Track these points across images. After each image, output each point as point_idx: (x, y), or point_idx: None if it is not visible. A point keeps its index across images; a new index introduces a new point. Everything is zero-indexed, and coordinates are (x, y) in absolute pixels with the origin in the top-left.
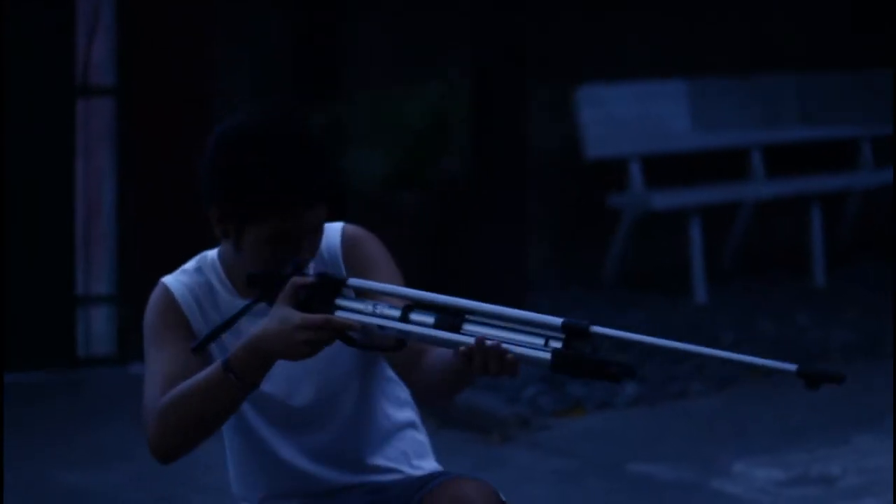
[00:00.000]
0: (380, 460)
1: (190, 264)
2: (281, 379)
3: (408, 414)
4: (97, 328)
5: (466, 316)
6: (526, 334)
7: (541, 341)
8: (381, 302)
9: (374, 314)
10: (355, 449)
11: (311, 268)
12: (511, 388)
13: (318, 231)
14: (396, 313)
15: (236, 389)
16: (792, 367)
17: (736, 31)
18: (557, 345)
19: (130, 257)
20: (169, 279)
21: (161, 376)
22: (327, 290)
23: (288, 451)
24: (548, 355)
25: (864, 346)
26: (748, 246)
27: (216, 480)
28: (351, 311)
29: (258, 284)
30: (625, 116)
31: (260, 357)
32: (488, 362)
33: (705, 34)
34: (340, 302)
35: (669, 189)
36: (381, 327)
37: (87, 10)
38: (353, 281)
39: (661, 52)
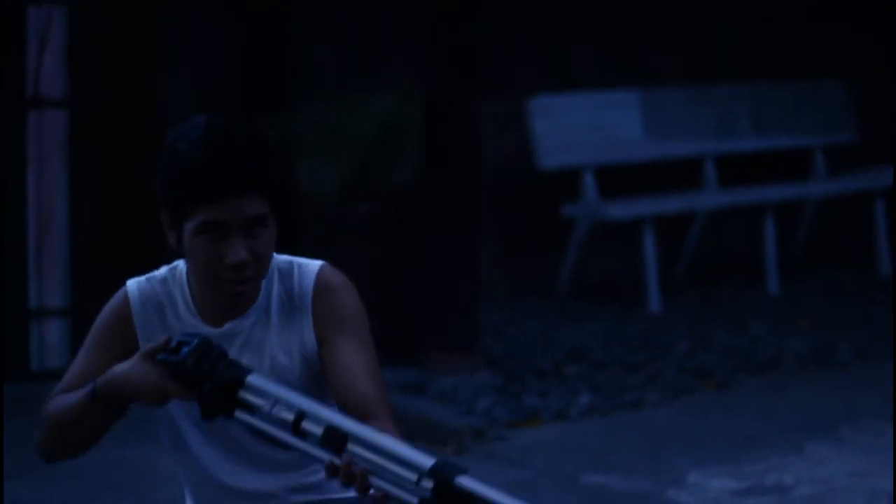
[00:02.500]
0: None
1: (161, 272)
2: None
3: None
4: (51, 341)
5: (349, 439)
6: (403, 467)
7: (414, 478)
8: (281, 403)
9: (269, 416)
10: (304, 465)
11: (273, 306)
12: (465, 400)
13: (256, 231)
14: (290, 418)
15: (101, 416)
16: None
17: (688, 40)
18: (429, 485)
19: (84, 270)
20: (132, 283)
21: (71, 379)
22: (230, 385)
23: (227, 471)
24: (415, 501)
25: (818, 355)
26: (702, 255)
27: (165, 495)
28: (250, 406)
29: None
30: (577, 127)
31: (118, 395)
32: (351, 484)
33: (657, 44)
34: (242, 394)
35: (623, 199)
36: (273, 435)
37: (38, 22)
38: (252, 379)
39: (612, 63)
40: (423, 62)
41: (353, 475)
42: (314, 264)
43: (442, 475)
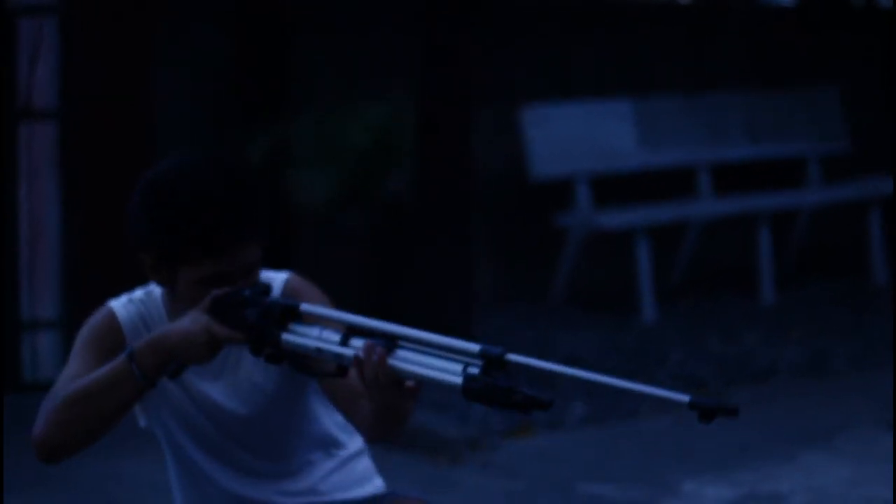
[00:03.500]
0: (322, 485)
1: (137, 294)
2: (215, 399)
3: (356, 443)
4: (43, 352)
5: (399, 342)
6: (449, 360)
7: (460, 367)
8: (329, 329)
9: (318, 338)
10: (294, 472)
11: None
12: (460, 409)
13: (253, 271)
14: (337, 338)
15: (135, 383)
16: (685, 397)
17: (681, 50)
18: (475, 371)
19: (76, 281)
20: (116, 304)
21: (70, 377)
22: (280, 314)
23: (223, 477)
24: (459, 380)
25: (812, 364)
26: (696, 265)
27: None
28: (298, 334)
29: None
30: (571, 136)
31: (160, 353)
32: (372, 374)
33: (651, 53)
34: (292, 326)
35: (617, 208)
36: (318, 350)
37: (30, 33)
38: (305, 307)
39: (606, 72)
40: (416, 72)
41: (374, 364)
42: (281, 275)
43: (490, 353)
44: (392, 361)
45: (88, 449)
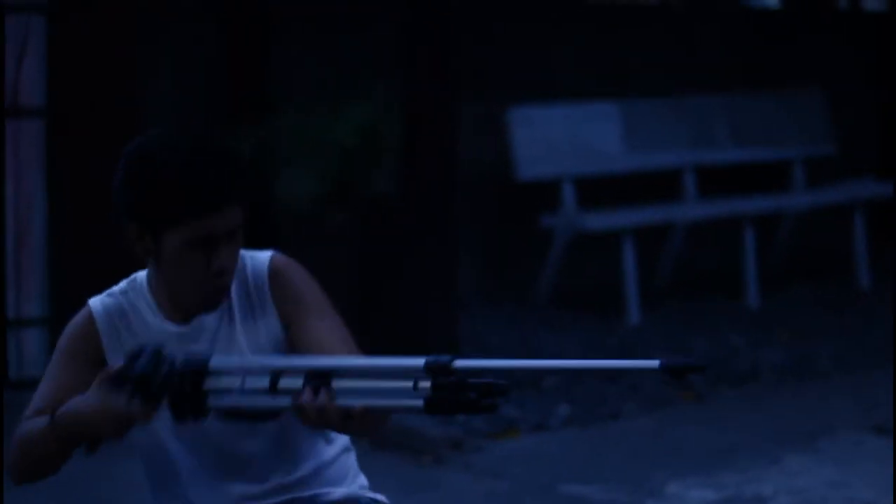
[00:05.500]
0: (302, 482)
1: (119, 286)
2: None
3: (343, 441)
4: (29, 350)
5: (334, 375)
6: (396, 380)
7: (410, 384)
8: (252, 373)
9: (243, 391)
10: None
11: (235, 302)
12: None
13: (235, 238)
14: (265, 384)
15: (58, 446)
16: (655, 363)
17: (666, 52)
18: (426, 384)
19: (62, 279)
20: (94, 301)
21: (40, 398)
22: (193, 375)
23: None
24: (420, 402)
25: (795, 367)
26: (681, 267)
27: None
28: (220, 391)
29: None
30: (557, 137)
31: (76, 426)
32: (318, 418)
33: (635, 55)
34: (209, 383)
35: (602, 210)
36: (251, 408)
37: (17, 31)
38: (215, 361)
39: (591, 73)
40: (401, 70)
41: (321, 407)
42: (264, 254)
43: (437, 367)
44: (339, 401)
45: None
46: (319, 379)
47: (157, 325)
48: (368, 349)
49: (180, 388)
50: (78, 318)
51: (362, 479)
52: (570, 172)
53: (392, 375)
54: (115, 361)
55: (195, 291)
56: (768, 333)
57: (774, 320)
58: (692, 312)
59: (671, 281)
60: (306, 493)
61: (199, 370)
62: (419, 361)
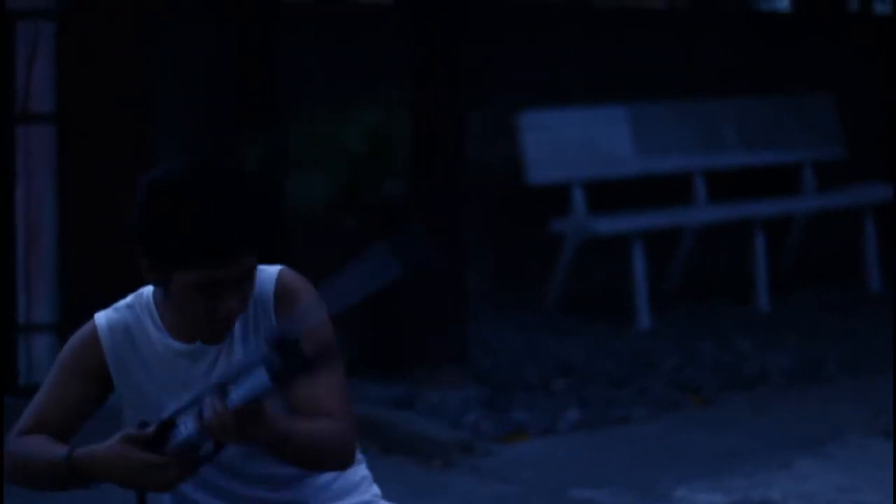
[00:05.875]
0: (314, 497)
1: (125, 300)
2: None
3: (361, 471)
4: (39, 356)
5: (228, 387)
6: (253, 374)
7: (260, 363)
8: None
9: (186, 436)
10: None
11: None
12: (453, 414)
13: (247, 280)
14: (193, 422)
15: (70, 481)
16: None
17: (674, 55)
18: (275, 357)
19: (72, 285)
20: (99, 316)
21: (36, 411)
22: (158, 437)
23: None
24: (265, 378)
25: (804, 371)
26: (691, 271)
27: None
28: (176, 445)
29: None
30: (567, 142)
31: (92, 472)
32: (221, 427)
33: (644, 59)
34: (171, 445)
35: (612, 214)
36: (191, 440)
37: (27, 36)
38: (168, 411)
39: (601, 77)
40: (411, 75)
41: (218, 415)
42: (273, 269)
43: (276, 336)
44: (229, 402)
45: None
46: (218, 393)
47: (160, 342)
48: (379, 356)
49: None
50: (82, 333)
51: (375, 489)
52: (579, 176)
53: (246, 364)
54: (118, 377)
55: (199, 328)
56: (777, 337)
57: (783, 324)
58: (701, 316)
59: (680, 285)
60: None
61: (165, 426)
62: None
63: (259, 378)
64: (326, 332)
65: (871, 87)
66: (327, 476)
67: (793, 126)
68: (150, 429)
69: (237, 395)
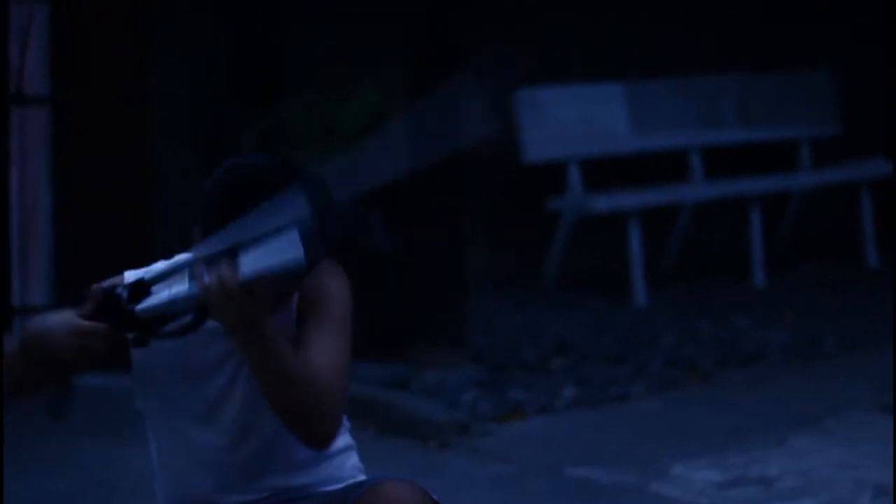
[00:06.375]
0: (305, 480)
1: (161, 264)
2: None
3: (345, 439)
4: None
5: (238, 250)
6: (280, 238)
7: (296, 235)
8: (178, 281)
9: (169, 292)
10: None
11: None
12: (450, 394)
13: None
14: (186, 283)
15: (26, 366)
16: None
17: (672, 32)
18: (308, 225)
19: (67, 268)
20: (130, 276)
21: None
22: (130, 296)
23: (209, 452)
24: (298, 252)
25: (803, 347)
26: (688, 248)
27: (151, 490)
28: (149, 306)
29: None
30: (563, 119)
31: (42, 351)
32: (221, 293)
33: (642, 36)
34: (142, 304)
35: (609, 191)
36: (172, 301)
37: (20, 18)
38: (148, 275)
39: (597, 55)
40: (407, 54)
41: (222, 281)
42: None
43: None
44: (239, 271)
45: (81, 434)
46: (225, 258)
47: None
48: (377, 336)
49: (120, 306)
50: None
51: (355, 459)
52: (576, 154)
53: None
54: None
55: None
56: (775, 314)
57: (781, 301)
58: (699, 293)
59: (678, 262)
60: (303, 493)
61: (139, 286)
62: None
63: (288, 251)
64: (343, 300)
65: (869, 63)
66: (319, 461)
67: (791, 102)
68: (120, 290)
69: (252, 264)
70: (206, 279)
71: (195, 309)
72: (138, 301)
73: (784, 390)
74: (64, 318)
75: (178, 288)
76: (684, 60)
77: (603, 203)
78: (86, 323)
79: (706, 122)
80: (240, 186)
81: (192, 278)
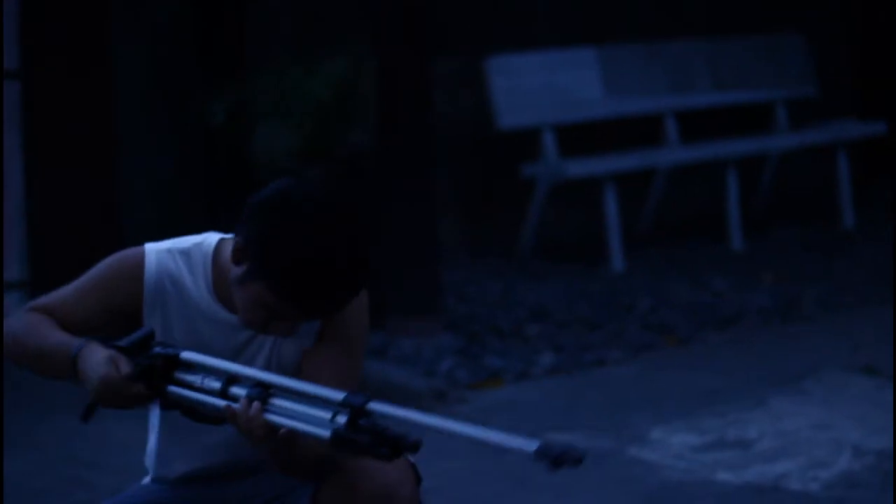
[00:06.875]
0: None
1: (185, 243)
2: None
3: None
4: (9, 314)
5: (272, 391)
6: (320, 408)
7: (328, 416)
8: (212, 376)
9: (200, 388)
10: None
11: None
12: (426, 362)
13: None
14: (218, 385)
15: (71, 376)
16: (532, 446)
17: None
18: (343, 420)
19: (41, 243)
20: (151, 251)
21: (60, 306)
22: (165, 365)
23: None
24: (327, 434)
25: (780, 309)
26: (664, 212)
27: (125, 461)
28: (182, 384)
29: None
30: (536, 85)
31: (79, 382)
32: (247, 427)
33: (614, 1)
34: (178, 375)
35: (583, 157)
36: (200, 402)
37: None
38: (185, 355)
39: (569, 20)
40: (376, 22)
41: (249, 418)
42: None
43: (354, 403)
44: (266, 415)
45: (55, 408)
46: (260, 392)
47: (206, 304)
48: None
49: (151, 367)
50: (129, 256)
51: None
52: (549, 120)
53: (316, 401)
54: (151, 319)
55: (243, 316)
56: (753, 276)
57: (759, 263)
58: (676, 257)
59: (654, 227)
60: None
61: (171, 357)
62: (339, 395)
63: (319, 426)
64: (363, 320)
65: (842, 25)
66: None
67: (764, 65)
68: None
69: (282, 414)
70: (237, 407)
71: (218, 419)
72: (174, 369)
73: (762, 352)
74: (110, 377)
75: (211, 386)
76: (656, 24)
77: (578, 168)
78: (127, 383)
79: (680, 86)
80: (309, 274)
81: (225, 391)
